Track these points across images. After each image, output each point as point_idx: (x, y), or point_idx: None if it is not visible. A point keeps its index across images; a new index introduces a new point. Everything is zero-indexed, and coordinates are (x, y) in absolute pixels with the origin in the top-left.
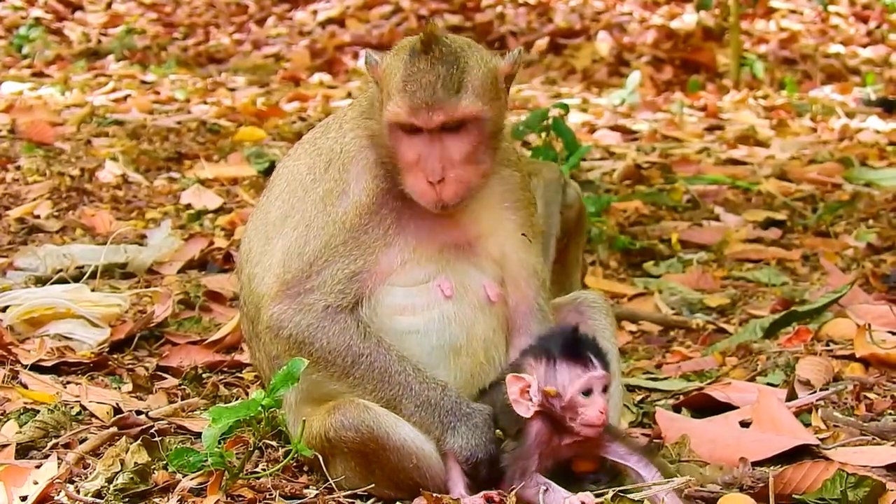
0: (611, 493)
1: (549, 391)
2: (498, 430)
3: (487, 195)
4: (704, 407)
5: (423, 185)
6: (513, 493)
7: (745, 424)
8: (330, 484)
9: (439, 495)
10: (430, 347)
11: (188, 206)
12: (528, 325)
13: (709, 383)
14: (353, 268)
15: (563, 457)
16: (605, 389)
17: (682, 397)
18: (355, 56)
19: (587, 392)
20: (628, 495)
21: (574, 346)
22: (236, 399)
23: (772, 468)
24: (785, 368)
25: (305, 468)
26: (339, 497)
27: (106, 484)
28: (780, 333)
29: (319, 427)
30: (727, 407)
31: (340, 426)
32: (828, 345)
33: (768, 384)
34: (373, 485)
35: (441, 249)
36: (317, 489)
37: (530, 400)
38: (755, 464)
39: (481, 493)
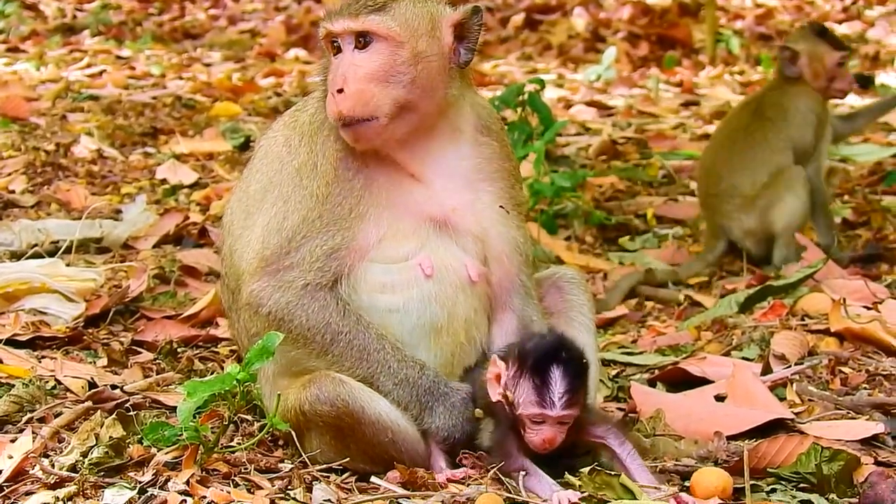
0: (587, 469)
1: (508, 395)
2: (478, 410)
3: (460, 165)
4: (679, 381)
5: (329, 98)
6: (492, 471)
7: (720, 399)
8: (304, 458)
9: (414, 468)
10: (411, 326)
11: (163, 181)
12: (511, 302)
13: (684, 358)
14: (331, 244)
15: None
16: (562, 423)
17: (657, 372)
18: None
19: (537, 421)
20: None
21: (545, 376)
22: (211, 373)
23: (747, 442)
24: (760, 343)
25: (281, 442)
26: (313, 471)
27: (81, 458)
28: (756, 308)
29: (295, 401)
30: (702, 381)
31: (316, 400)
32: (803, 319)
33: (743, 358)
34: (347, 459)
35: (418, 224)
36: (291, 463)
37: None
38: (730, 438)
39: (462, 469)
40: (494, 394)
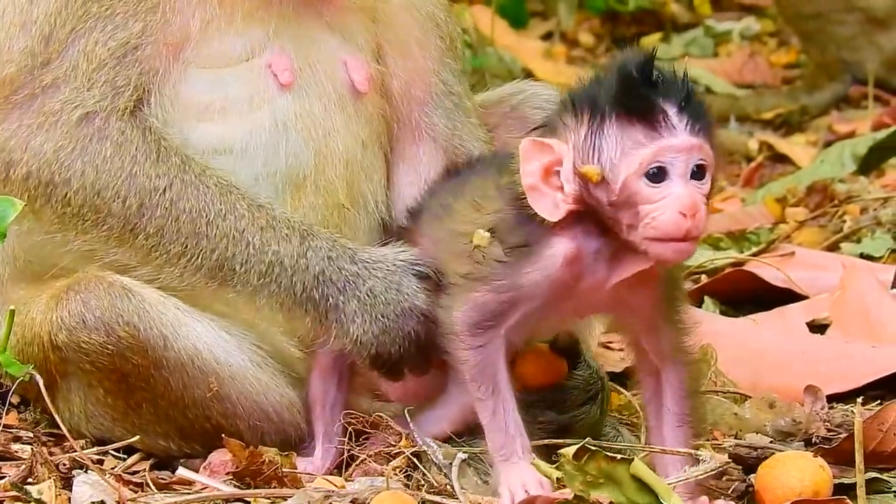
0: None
1: (589, 173)
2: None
3: None
4: (744, 295)
5: None
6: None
7: (816, 328)
8: (62, 428)
9: (255, 450)
10: (252, 178)
11: None
12: (428, 124)
13: (754, 253)
14: (124, 36)
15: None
16: (698, 173)
17: (704, 277)
18: None
19: (656, 174)
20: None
21: (640, 86)
22: None
23: (861, 405)
24: (893, 229)
25: (16, 400)
26: (77, 454)
27: None
28: (886, 166)
29: (43, 325)
30: (785, 297)
31: (80, 323)
32: None
33: (862, 257)
34: (137, 437)
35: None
36: (33, 437)
37: (561, 189)
38: (833, 398)
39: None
40: (556, 204)
